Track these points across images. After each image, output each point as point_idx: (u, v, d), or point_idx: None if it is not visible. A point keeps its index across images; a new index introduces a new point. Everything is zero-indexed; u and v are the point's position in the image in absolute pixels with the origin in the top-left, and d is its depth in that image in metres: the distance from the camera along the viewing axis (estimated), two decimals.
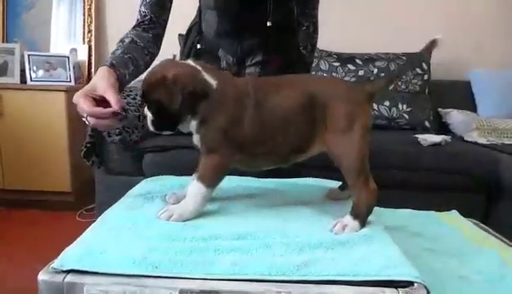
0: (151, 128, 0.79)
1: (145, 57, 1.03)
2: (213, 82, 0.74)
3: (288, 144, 0.76)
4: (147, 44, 1.05)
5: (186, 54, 1.26)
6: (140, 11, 1.10)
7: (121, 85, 0.91)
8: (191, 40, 1.25)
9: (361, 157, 0.73)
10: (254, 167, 0.84)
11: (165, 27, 1.15)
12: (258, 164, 0.82)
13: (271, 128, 0.74)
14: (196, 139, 0.77)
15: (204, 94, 0.73)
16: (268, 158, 0.79)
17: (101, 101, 0.83)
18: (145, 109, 0.78)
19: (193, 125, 0.76)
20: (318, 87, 0.76)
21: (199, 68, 0.75)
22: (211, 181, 0.74)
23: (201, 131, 0.75)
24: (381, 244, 0.66)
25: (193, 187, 0.75)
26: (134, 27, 1.09)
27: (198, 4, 1.25)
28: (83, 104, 0.81)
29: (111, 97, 0.82)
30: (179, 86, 0.71)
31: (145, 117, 0.79)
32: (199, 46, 1.20)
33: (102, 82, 0.85)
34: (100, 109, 0.81)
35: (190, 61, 0.78)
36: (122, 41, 1.02)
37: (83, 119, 0.83)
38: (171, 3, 1.15)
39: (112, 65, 0.91)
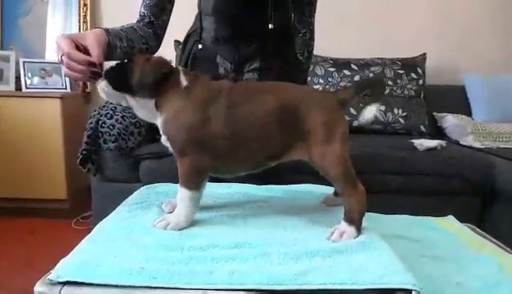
0: (105, 66, 0.78)
1: (142, 45, 1.03)
2: (184, 81, 0.76)
3: (261, 150, 0.76)
4: (146, 36, 1.06)
5: (184, 60, 1.26)
6: (140, 11, 1.11)
7: (110, 53, 0.89)
8: (189, 47, 1.25)
9: (344, 164, 0.73)
10: (228, 174, 0.84)
11: (165, 28, 1.16)
12: (233, 170, 0.82)
13: (243, 133, 0.74)
14: (164, 139, 0.77)
15: (170, 88, 0.75)
16: (242, 164, 0.80)
17: (84, 53, 0.82)
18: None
19: (159, 122, 0.76)
20: (292, 96, 0.76)
21: (180, 68, 0.78)
22: (192, 184, 0.74)
23: (167, 132, 0.75)
24: (378, 252, 0.66)
25: (179, 194, 0.75)
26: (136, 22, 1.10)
27: (196, 11, 1.26)
28: (63, 43, 0.80)
29: (94, 51, 0.81)
30: (154, 68, 0.74)
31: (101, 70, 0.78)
32: (200, 46, 1.20)
33: (91, 35, 0.84)
34: (78, 53, 0.80)
35: (180, 67, 0.80)
36: (122, 26, 1.02)
37: (58, 58, 0.82)
38: (171, 5, 1.15)
39: (107, 31, 0.90)
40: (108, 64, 0.78)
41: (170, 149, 0.77)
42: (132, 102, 0.78)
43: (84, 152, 1.65)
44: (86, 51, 0.82)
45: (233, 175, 0.85)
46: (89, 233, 0.72)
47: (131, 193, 0.96)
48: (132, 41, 0.98)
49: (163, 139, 0.77)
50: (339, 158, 0.73)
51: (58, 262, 0.60)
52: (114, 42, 0.91)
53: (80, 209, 2.36)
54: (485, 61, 2.69)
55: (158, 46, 1.13)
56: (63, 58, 0.80)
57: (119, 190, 1.71)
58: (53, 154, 2.32)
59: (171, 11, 1.16)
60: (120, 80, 0.77)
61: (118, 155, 1.71)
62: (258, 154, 0.77)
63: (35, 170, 2.33)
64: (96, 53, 0.81)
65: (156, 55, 0.91)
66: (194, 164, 0.74)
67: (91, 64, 0.80)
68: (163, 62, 0.76)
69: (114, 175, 1.75)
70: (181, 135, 0.73)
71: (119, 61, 0.78)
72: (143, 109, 0.79)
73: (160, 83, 0.74)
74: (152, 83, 0.74)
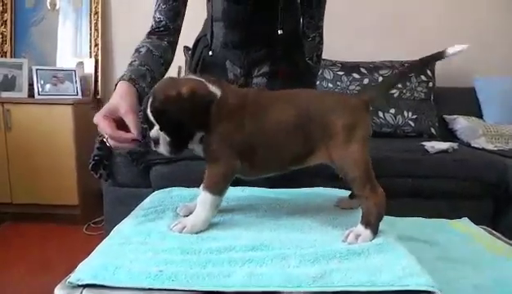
0: (166, 152, 0.76)
1: (161, 68, 1.04)
2: (217, 92, 0.75)
3: (285, 154, 0.77)
4: (163, 54, 1.06)
5: (193, 66, 1.27)
6: (154, 17, 1.12)
7: (139, 99, 0.91)
8: (199, 52, 1.26)
9: (364, 166, 0.73)
10: (253, 175, 0.84)
11: (179, 34, 1.16)
12: (257, 172, 0.82)
13: (267, 138, 0.75)
14: (199, 149, 0.77)
15: (211, 104, 0.74)
16: (267, 167, 0.80)
17: (121, 122, 0.83)
18: (155, 131, 0.75)
19: (197, 136, 0.76)
20: (316, 102, 0.77)
21: (203, 80, 0.76)
22: (217, 189, 0.75)
23: (204, 141, 0.76)
24: (396, 254, 0.66)
25: (201, 197, 0.75)
26: (149, 34, 1.10)
27: (204, 16, 1.27)
28: (105, 126, 0.81)
29: (131, 123, 0.82)
30: (197, 100, 0.72)
31: (155, 142, 0.76)
32: (210, 53, 1.21)
33: (123, 103, 0.85)
34: (121, 134, 0.81)
35: (191, 76, 0.79)
36: (138, 51, 1.02)
37: (104, 139, 0.84)
38: (185, 10, 1.16)
39: (131, 79, 0.91)
40: (163, 143, 0.75)
41: (202, 156, 0.78)
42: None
43: (96, 157, 1.68)
44: (123, 121, 0.83)
45: (257, 177, 0.85)
46: (101, 238, 0.73)
47: (142, 197, 0.97)
48: (153, 71, 0.99)
49: (198, 149, 0.78)
50: (358, 160, 0.73)
51: (72, 267, 0.61)
52: (142, 86, 0.92)
53: (91, 214, 2.38)
54: (495, 63, 2.68)
55: (173, 56, 1.14)
56: (109, 140, 0.82)
57: (130, 195, 1.73)
58: (65, 160, 2.35)
59: (184, 15, 1.17)
60: (183, 144, 0.77)
61: (129, 160, 1.73)
62: (283, 159, 0.78)
63: (47, 176, 2.36)
64: (133, 125, 0.81)
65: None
66: (224, 169, 0.75)
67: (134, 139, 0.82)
68: (202, 96, 0.73)
69: (126, 180, 1.77)
70: (218, 145, 0.74)
71: (168, 132, 0.74)
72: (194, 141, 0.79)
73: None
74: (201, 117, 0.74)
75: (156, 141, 0.76)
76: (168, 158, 1.72)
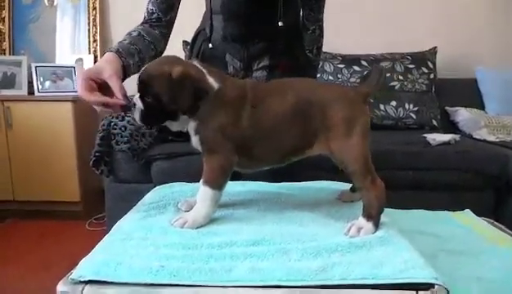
0: (137, 119, 0.76)
1: (151, 52, 1.04)
2: (215, 84, 0.75)
3: (284, 146, 0.77)
4: (154, 40, 1.06)
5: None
6: (147, 8, 1.12)
7: (124, 74, 0.91)
8: (198, 46, 1.25)
9: (364, 158, 0.73)
10: (252, 168, 0.84)
11: (172, 26, 1.16)
12: (256, 165, 0.82)
13: (266, 129, 0.75)
14: (195, 140, 0.77)
15: (205, 95, 0.73)
16: (265, 159, 0.80)
17: (104, 85, 0.84)
18: (136, 97, 0.76)
19: (192, 126, 0.76)
20: (314, 93, 0.76)
21: (202, 69, 0.76)
22: (217, 183, 0.75)
23: (200, 132, 0.75)
24: (398, 246, 0.65)
25: (201, 192, 0.75)
26: (142, 24, 1.10)
27: (203, 10, 1.26)
28: (88, 96, 0.82)
29: (115, 84, 0.82)
30: (186, 85, 0.71)
31: (133, 105, 0.76)
32: (210, 45, 1.20)
33: (107, 66, 0.85)
34: (89, 96, 0.82)
35: (195, 62, 0.78)
36: (129, 33, 1.03)
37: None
38: (178, 3, 1.16)
39: (118, 52, 0.91)
40: (137, 110, 0.75)
41: (199, 149, 0.77)
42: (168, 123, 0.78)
43: (97, 154, 1.68)
44: (106, 84, 0.84)
45: (256, 170, 0.85)
46: (103, 234, 0.73)
47: (143, 193, 0.97)
48: (142, 52, 0.99)
49: (194, 140, 0.77)
50: (358, 152, 0.73)
51: (74, 264, 0.61)
52: (128, 62, 0.92)
53: (93, 211, 2.38)
54: (497, 54, 2.65)
55: (165, 47, 1.14)
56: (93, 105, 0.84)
57: (131, 191, 1.73)
58: (66, 157, 2.35)
59: (178, 8, 1.16)
60: (155, 120, 0.78)
61: (130, 156, 1.72)
62: (281, 150, 0.78)
63: (48, 173, 2.36)
64: (117, 87, 0.82)
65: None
66: (222, 162, 0.75)
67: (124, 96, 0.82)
68: (192, 82, 0.72)
69: (127, 176, 1.77)
70: (216, 136, 0.74)
71: (147, 103, 0.74)
72: (178, 124, 0.79)
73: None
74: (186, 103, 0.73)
75: (133, 106, 0.76)
76: (170, 153, 1.72)
